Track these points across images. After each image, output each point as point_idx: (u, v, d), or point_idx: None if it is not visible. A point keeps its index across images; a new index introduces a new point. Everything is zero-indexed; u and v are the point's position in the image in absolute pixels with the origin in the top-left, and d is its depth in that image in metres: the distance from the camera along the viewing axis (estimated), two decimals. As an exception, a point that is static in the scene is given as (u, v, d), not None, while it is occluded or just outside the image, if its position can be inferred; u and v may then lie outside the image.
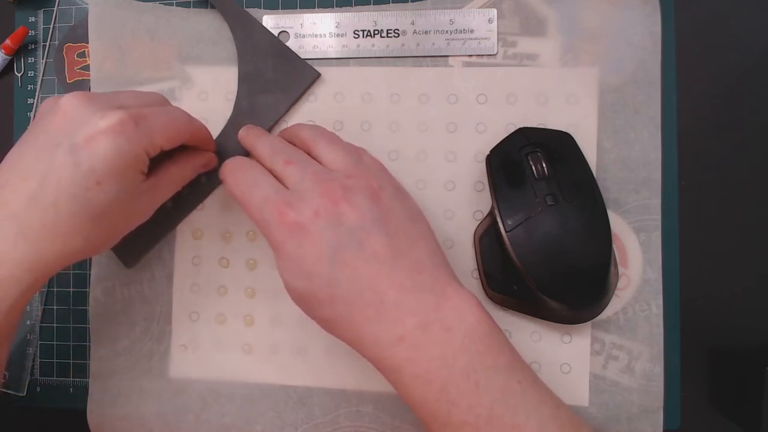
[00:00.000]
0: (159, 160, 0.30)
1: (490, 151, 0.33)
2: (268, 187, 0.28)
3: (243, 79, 0.35)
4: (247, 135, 0.32)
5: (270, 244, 0.28)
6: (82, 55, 0.37)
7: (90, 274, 0.36)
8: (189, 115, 0.30)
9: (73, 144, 0.26)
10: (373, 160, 0.30)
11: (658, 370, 0.33)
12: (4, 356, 0.29)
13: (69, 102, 0.27)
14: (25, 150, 0.27)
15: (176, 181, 0.31)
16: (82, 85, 0.37)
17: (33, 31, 0.38)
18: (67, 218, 0.26)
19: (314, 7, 0.36)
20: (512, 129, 0.33)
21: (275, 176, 0.29)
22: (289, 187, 0.28)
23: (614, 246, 0.32)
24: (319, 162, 0.29)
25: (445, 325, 0.25)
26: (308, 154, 0.30)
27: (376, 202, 0.27)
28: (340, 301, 0.26)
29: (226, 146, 0.35)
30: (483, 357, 0.25)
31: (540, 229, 0.30)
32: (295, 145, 0.31)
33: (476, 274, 0.34)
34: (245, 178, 0.29)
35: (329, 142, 0.30)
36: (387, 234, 0.26)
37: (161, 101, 0.31)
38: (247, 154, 0.33)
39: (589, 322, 0.32)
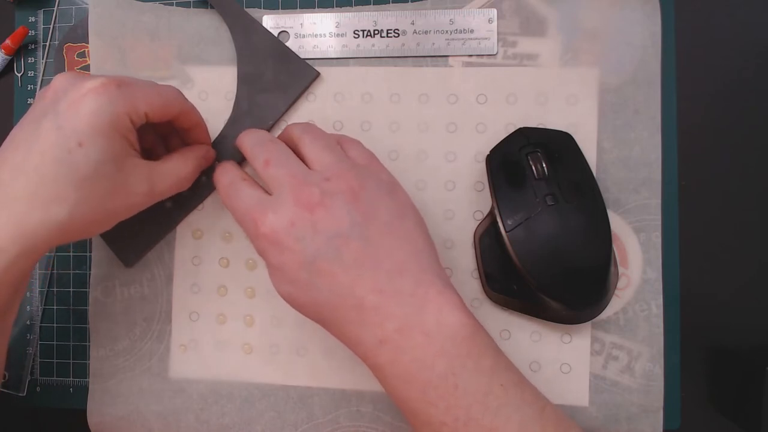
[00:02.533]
0: (160, 154, 0.32)
1: (490, 151, 0.33)
2: (249, 197, 0.28)
3: (243, 79, 0.35)
4: (241, 137, 0.32)
5: (257, 252, 0.28)
6: (82, 55, 0.37)
7: (90, 274, 0.36)
8: (180, 93, 0.30)
9: (57, 111, 0.26)
10: (360, 154, 0.30)
11: (658, 370, 0.33)
12: (4, 340, 0.29)
13: (59, 78, 0.27)
14: (19, 127, 0.28)
15: (179, 171, 0.31)
16: (82, 85, 0.37)
17: (33, 31, 0.38)
18: (50, 183, 0.26)
19: (314, 7, 0.36)
20: (512, 129, 0.33)
21: (261, 177, 0.29)
22: (271, 192, 0.28)
23: (614, 246, 0.32)
24: (304, 160, 0.29)
25: (425, 329, 0.25)
26: (296, 153, 0.30)
27: (355, 204, 0.26)
28: (323, 305, 0.26)
29: (226, 146, 0.35)
30: (464, 360, 0.25)
31: (540, 229, 0.30)
32: (289, 145, 0.31)
33: (476, 274, 0.34)
34: (229, 188, 0.30)
35: (312, 140, 0.29)
36: (366, 238, 0.26)
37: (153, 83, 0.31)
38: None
39: (589, 322, 0.32)
